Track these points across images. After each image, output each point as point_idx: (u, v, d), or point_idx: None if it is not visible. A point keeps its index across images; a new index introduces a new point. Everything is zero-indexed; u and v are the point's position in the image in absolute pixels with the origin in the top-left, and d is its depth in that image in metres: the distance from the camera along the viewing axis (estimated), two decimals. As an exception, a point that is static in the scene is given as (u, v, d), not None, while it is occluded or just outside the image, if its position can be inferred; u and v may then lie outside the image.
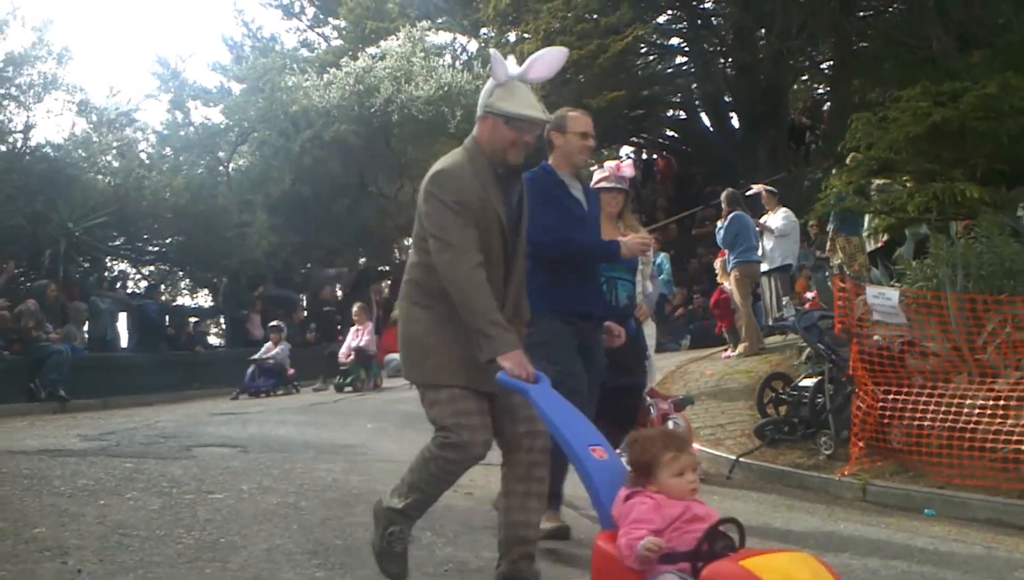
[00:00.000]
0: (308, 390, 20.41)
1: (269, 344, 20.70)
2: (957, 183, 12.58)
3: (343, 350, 19.88)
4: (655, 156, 34.09)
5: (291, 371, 20.56)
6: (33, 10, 56.12)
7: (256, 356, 20.42)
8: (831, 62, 28.09)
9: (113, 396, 17.83)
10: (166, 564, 5.65)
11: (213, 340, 26.54)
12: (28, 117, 22.23)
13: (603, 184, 8.03)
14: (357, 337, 19.83)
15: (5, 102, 21.93)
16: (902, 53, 20.60)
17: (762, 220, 16.88)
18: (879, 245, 15.49)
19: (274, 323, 21.59)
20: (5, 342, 17.36)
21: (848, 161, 15.10)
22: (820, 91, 32.06)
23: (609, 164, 8.36)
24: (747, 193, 17.61)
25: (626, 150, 36.02)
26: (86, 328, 20.80)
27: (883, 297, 10.50)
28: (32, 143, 22.33)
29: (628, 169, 8.33)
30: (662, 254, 20.67)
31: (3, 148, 21.76)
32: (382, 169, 28.12)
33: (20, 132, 22.17)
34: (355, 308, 20.62)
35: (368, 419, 13.60)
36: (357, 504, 7.47)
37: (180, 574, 5.52)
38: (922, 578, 6.50)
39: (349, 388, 19.28)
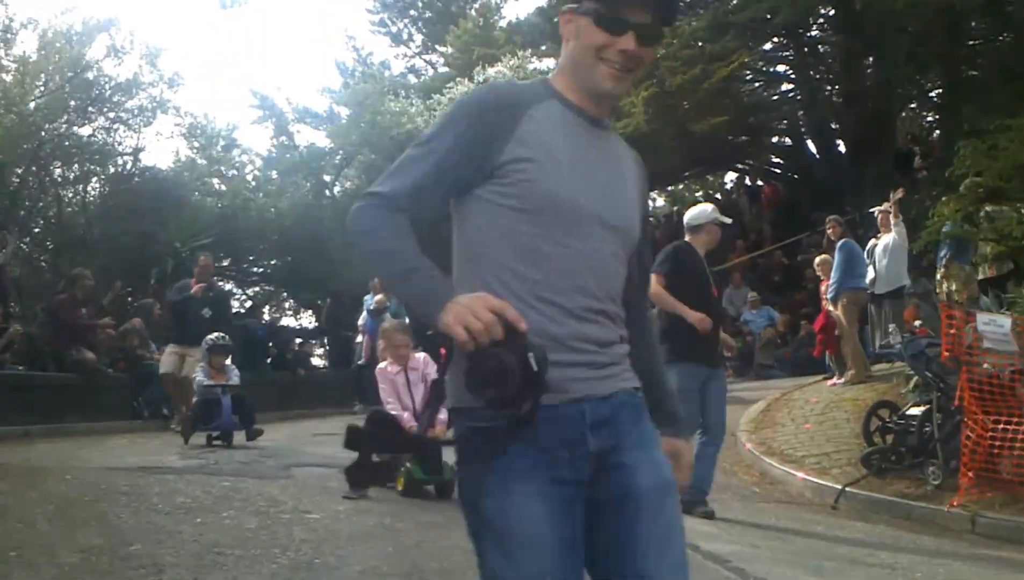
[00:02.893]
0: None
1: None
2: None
3: (396, 409, 9.60)
4: (760, 182, 33.84)
5: None
6: (145, 36, 57.02)
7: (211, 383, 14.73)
8: (939, 90, 27.70)
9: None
10: (260, 584, 5.61)
11: (316, 361, 26.64)
12: (137, 140, 22.70)
13: None
14: (417, 390, 9.67)
15: (115, 126, 22.39)
16: (1011, 81, 20.29)
17: (871, 244, 16.69)
18: (989, 273, 15.23)
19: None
20: (110, 360, 17.55)
21: (960, 189, 14.88)
22: (929, 119, 31.65)
23: None
24: (871, 210, 17.55)
25: (731, 176, 35.93)
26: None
27: (995, 324, 10.32)
28: (140, 165, 22.78)
29: None
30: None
31: (112, 170, 22.19)
32: (489, 193, 28.17)
33: (129, 154, 22.61)
34: (388, 326, 11.20)
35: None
36: (454, 527, 7.41)
37: (274, 594, 5.48)
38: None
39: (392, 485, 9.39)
